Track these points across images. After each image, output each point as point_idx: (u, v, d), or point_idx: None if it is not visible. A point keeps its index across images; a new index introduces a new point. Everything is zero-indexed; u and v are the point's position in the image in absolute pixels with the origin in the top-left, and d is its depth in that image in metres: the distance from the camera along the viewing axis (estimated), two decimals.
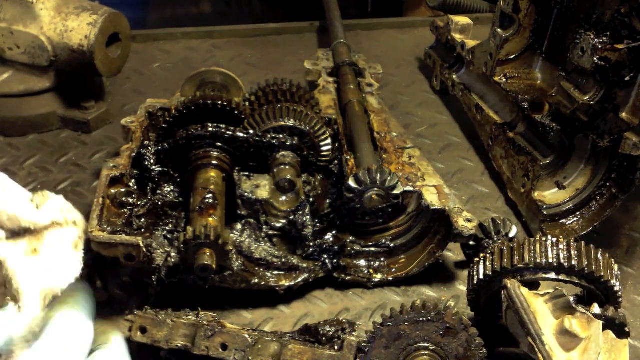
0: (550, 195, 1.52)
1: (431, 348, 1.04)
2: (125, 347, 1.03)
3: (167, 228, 1.27)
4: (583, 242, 1.08)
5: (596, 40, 1.30)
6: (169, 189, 1.33)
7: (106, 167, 1.32)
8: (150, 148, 1.34)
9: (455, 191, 1.66)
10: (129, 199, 1.30)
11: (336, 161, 1.43)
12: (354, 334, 1.08)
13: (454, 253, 1.44)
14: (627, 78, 1.28)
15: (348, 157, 1.37)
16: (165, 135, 1.37)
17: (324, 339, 1.09)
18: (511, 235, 1.29)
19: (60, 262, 0.82)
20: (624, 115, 1.29)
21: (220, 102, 1.35)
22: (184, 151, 1.32)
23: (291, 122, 1.37)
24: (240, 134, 1.32)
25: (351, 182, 1.27)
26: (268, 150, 1.35)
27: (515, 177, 1.62)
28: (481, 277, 1.12)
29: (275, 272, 1.29)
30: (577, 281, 1.07)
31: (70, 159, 1.72)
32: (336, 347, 1.06)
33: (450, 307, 1.03)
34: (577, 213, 1.47)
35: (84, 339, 0.92)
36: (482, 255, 1.15)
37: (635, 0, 1.23)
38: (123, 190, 1.30)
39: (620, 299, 1.09)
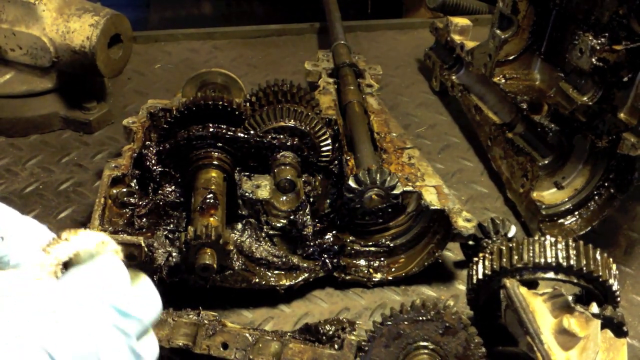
0: (548, 195, 1.53)
1: (430, 347, 1.04)
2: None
3: (168, 228, 1.28)
4: (581, 242, 1.08)
5: (594, 41, 1.31)
6: (170, 189, 1.33)
7: (108, 167, 1.33)
8: (151, 148, 1.35)
9: (455, 191, 1.67)
10: (131, 199, 1.31)
11: (336, 161, 1.43)
12: (354, 333, 1.08)
13: (453, 253, 1.45)
14: (625, 79, 1.28)
15: (348, 158, 1.38)
16: (166, 135, 1.37)
17: (324, 338, 1.10)
18: (510, 235, 1.29)
19: None
20: (622, 115, 1.30)
21: (221, 103, 1.35)
22: (185, 151, 1.33)
23: (291, 123, 1.38)
24: (241, 135, 1.33)
25: (351, 182, 1.27)
26: (269, 150, 1.35)
27: (514, 177, 1.63)
28: (480, 276, 1.13)
29: (276, 272, 1.30)
30: (575, 280, 1.08)
31: (72, 159, 1.73)
32: (336, 346, 1.07)
33: (450, 306, 1.03)
34: (576, 213, 1.48)
35: None
36: (481, 254, 1.15)
37: (633, 1, 1.24)
38: (124, 190, 1.31)
39: (619, 298, 1.09)
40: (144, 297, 0.71)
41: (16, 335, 0.58)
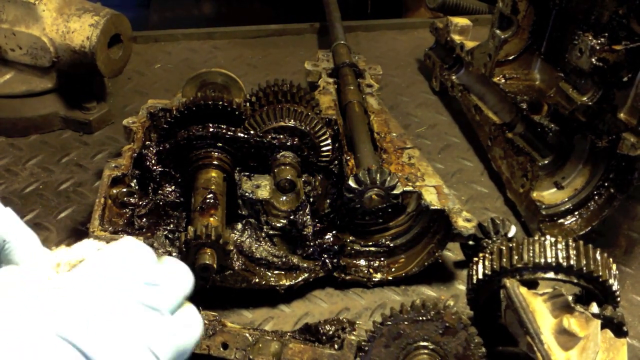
0: (548, 195, 1.53)
1: (430, 347, 1.04)
2: None
3: (168, 228, 1.28)
4: (581, 242, 1.08)
5: (594, 41, 1.31)
6: (170, 189, 1.33)
7: (108, 167, 1.33)
8: (151, 148, 1.35)
9: (455, 191, 1.67)
10: (131, 199, 1.31)
11: (336, 161, 1.43)
12: (354, 333, 1.08)
13: (453, 253, 1.45)
14: (625, 79, 1.29)
15: (348, 158, 1.38)
16: (166, 135, 1.37)
17: (324, 338, 1.10)
18: (510, 235, 1.30)
19: None
20: (622, 115, 1.30)
21: (221, 103, 1.35)
22: (185, 151, 1.33)
23: (291, 123, 1.38)
24: (241, 135, 1.33)
25: (351, 182, 1.27)
26: (268, 150, 1.35)
27: (514, 177, 1.63)
28: (480, 276, 1.12)
29: (276, 272, 1.30)
30: (575, 280, 1.08)
31: (72, 159, 1.73)
32: (336, 346, 1.07)
33: (450, 306, 1.04)
34: (576, 213, 1.48)
35: None
36: (481, 254, 1.15)
37: (633, 1, 1.24)
38: (124, 190, 1.31)
39: (619, 298, 1.09)
40: (172, 271, 0.70)
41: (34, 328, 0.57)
